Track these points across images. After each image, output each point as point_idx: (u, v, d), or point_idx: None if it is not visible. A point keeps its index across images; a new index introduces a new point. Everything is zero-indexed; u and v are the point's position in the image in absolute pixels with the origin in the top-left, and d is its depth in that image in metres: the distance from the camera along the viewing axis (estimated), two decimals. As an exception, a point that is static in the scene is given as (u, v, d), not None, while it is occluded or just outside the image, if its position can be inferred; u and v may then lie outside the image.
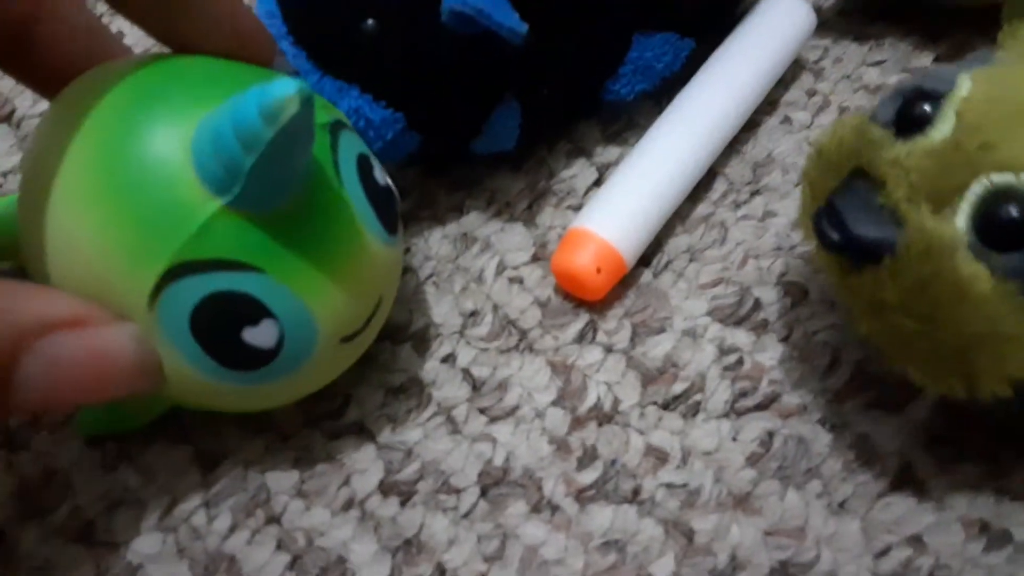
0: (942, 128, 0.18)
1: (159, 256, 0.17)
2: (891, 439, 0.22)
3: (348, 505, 0.22)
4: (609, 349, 0.24)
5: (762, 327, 0.24)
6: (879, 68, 0.30)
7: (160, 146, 0.17)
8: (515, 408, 0.23)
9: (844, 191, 0.19)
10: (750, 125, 0.28)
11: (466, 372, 0.24)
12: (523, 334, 0.24)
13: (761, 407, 0.23)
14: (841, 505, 0.21)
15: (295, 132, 0.16)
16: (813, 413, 0.23)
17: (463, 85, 0.24)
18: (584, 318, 0.25)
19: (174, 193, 0.17)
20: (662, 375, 0.23)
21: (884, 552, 0.21)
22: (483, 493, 0.22)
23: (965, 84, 0.19)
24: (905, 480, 0.21)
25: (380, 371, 0.24)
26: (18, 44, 0.21)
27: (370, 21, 0.22)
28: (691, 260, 0.26)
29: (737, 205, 0.27)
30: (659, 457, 0.22)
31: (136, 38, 0.31)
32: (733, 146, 0.28)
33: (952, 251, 0.17)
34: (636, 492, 0.22)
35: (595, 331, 0.24)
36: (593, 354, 0.24)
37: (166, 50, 0.20)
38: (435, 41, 0.22)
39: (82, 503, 0.22)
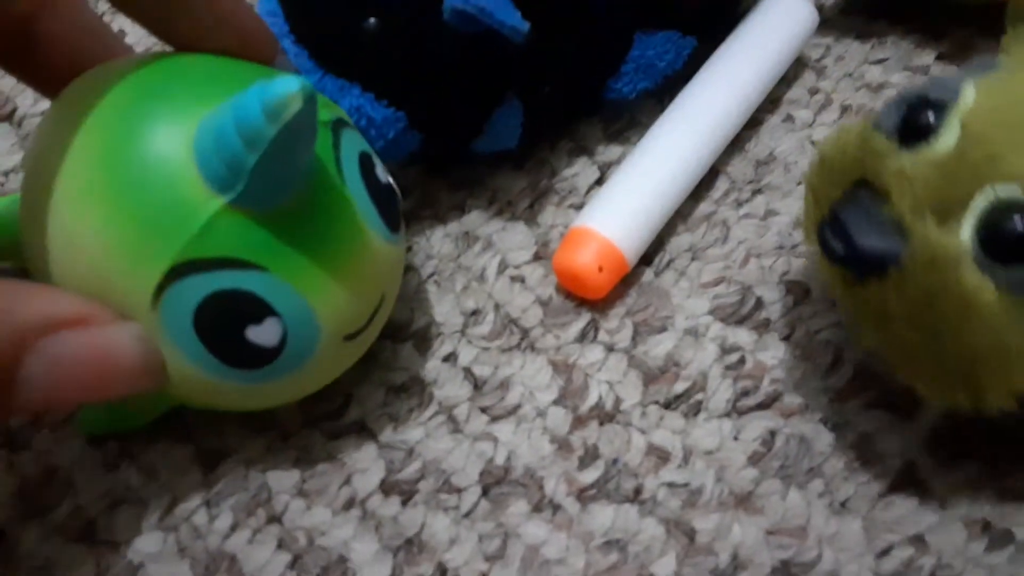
0: (947, 138, 0.18)
1: (162, 255, 0.17)
2: (893, 439, 0.22)
3: (349, 504, 0.22)
4: (611, 348, 0.24)
5: (764, 326, 0.24)
6: (881, 66, 0.30)
7: (162, 144, 0.17)
8: (516, 407, 0.23)
9: (848, 201, 0.19)
10: (752, 123, 0.28)
11: (467, 371, 0.24)
12: (525, 333, 0.24)
13: (763, 406, 0.23)
14: (843, 504, 0.21)
15: (298, 129, 0.16)
16: (815, 412, 0.23)
17: (465, 84, 0.24)
18: (586, 317, 0.24)
19: (177, 191, 0.17)
20: (664, 374, 0.23)
21: (886, 551, 0.21)
22: (484, 492, 0.22)
23: (969, 93, 0.19)
24: (907, 480, 0.21)
25: (381, 370, 0.24)
26: (19, 43, 0.21)
27: (372, 20, 0.22)
28: (693, 259, 0.26)
29: (739, 204, 0.27)
30: (661, 456, 0.22)
31: (137, 37, 0.31)
32: (735, 144, 0.28)
33: (957, 264, 0.17)
34: (638, 491, 0.22)
35: (597, 330, 0.24)
36: (595, 353, 0.24)
37: (167, 49, 0.20)
38: (437, 40, 0.22)
39: (83, 502, 0.22)
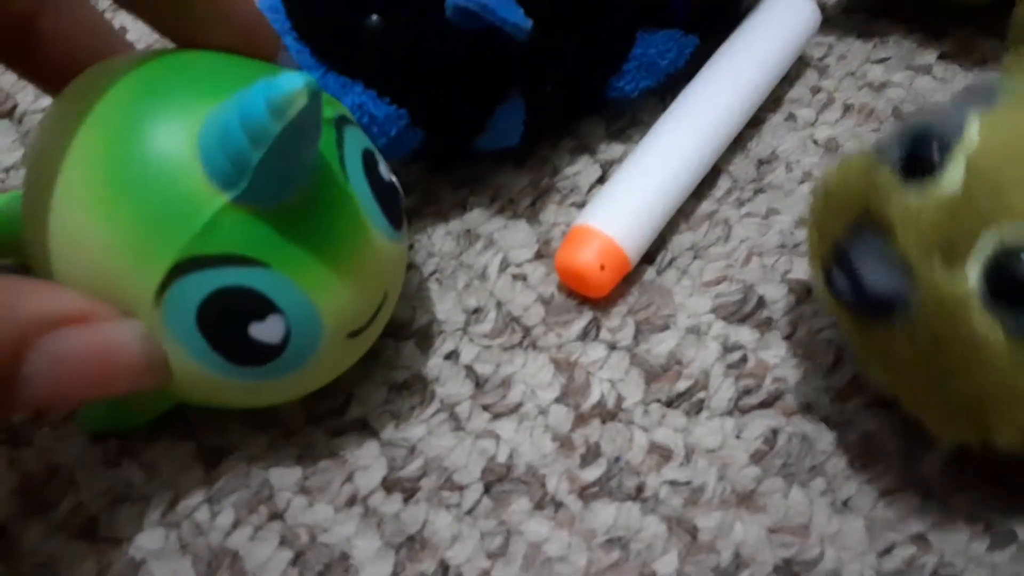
0: (952, 177, 0.18)
1: (166, 252, 0.17)
2: (895, 437, 0.22)
3: (351, 502, 0.22)
4: (612, 346, 0.24)
5: (766, 325, 0.24)
6: (883, 65, 0.30)
7: (165, 141, 0.17)
8: (518, 405, 0.23)
9: (854, 239, 0.19)
10: (754, 122, 0.28)
11: (469, 369, 0.24)
12: (526, 331, 0.24)
13: (765, 405, 0.23)
14: (845, 503, 0.21)
15: (303, 126, 0.16)
16: (817, 411, 0.23)
17: (467, 81, 0.24)
18: (587, 315, 0.24)
19: (180, 188, 0.17)
20: (666, 372, 0.23)
21: (888, 550, 0.21)
22: (486, 490, 0.22)
23: (974, 129, 0.18)
24: (909, 478, 0.21)
25: (383, 368, 0.24)
26: (21, 40, 0.21)
27: (374, 17, 0.22)
28: (695, 257, 0.26)
29: (741, 202, 0.27)
30: (663, 454, 0.22)
31: (139, 34, 0.31)
32: (737, 143, 0.28)
33: (965, 307, 0.17)
34: (640, 489, 0.22)
35: (598, 328, 0.24)
36: (596, 351, 0.24)
37: (170, 45, 0.20)
38: (439, 37, 0.22)
39: (85, 499, 0.22)
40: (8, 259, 0.24)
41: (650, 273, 0.25)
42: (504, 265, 0.26)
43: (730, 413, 0.23)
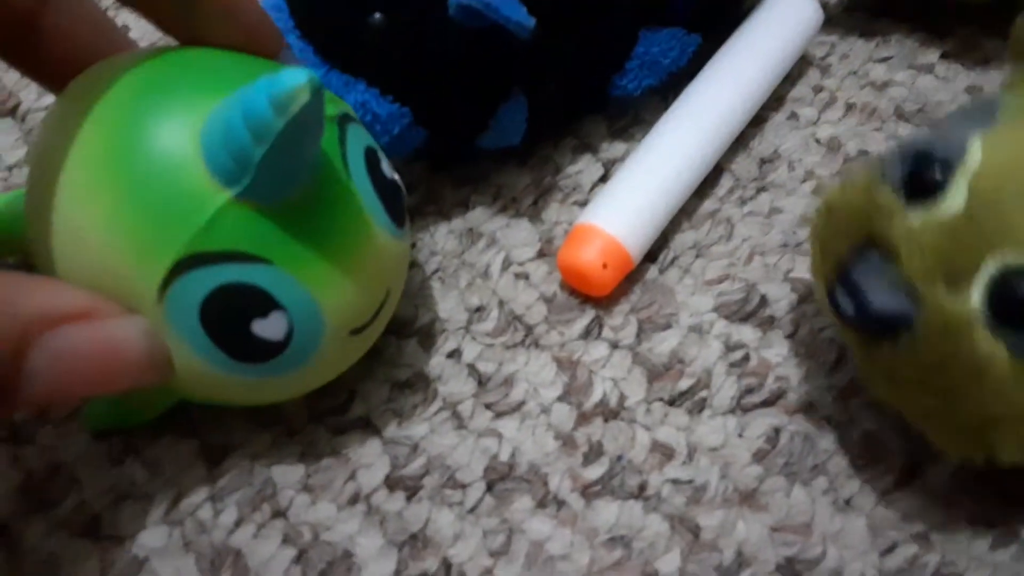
0: (954, 199, 0.18)
1: (168, 248, 0.17)
2: (897, 436, 0.22)
3: (354, 499, 0.22)
4: (615, 345, 0.24)
5: (768, 323, 0.24)
6: (886, 64, 0.30)
7: (168, 138, 0.17)
8: (521, 403, 0.23)
9: (858, 260, 0.19)
10: (756, 121, 0.28)
11: (472, 367, 0.24)
12: (529, 330, 0.24)
13: (767, 403, 0.23)
14: (847, 502, 0.21)
15: (305, 122, 0.16)
16: (819, 410, 0.23)
17: (470, 80, 0.24)
18: (590, 314, 0.24)
19: (183, 185, 0.17)
20: (668, 371, 0.23)
21: (890, 549, 0.21)
22: (489, 488, 0.22)
23: (976, 151, 0.18)
24: (911, 477, 0.21)
25: (386, 366, 0.24)
26: (24, 38, 0.21)
27: (377, 15, 0.22)
28: (697, 256, 0.26)
29: (743, 201, 0.27)
30: (665, 453, 0.22)
31: (142, 32, 0.31)
32: (739, 142, 0.28)
33: (970, 330, 0.17)
34: (642, 488, 0.22)
35: (601, 327, 0.24)
36: (599, 350, 0.24)
37: (172, 43, 0.20)
38: (442, 35, 0.22)
39: (88, 497, 0.22)
40: (11, 257, 0.24)
41: (652, 272, 0.25)
42: (506, 264, 0.26)
43: (732, 412, 0.23)
